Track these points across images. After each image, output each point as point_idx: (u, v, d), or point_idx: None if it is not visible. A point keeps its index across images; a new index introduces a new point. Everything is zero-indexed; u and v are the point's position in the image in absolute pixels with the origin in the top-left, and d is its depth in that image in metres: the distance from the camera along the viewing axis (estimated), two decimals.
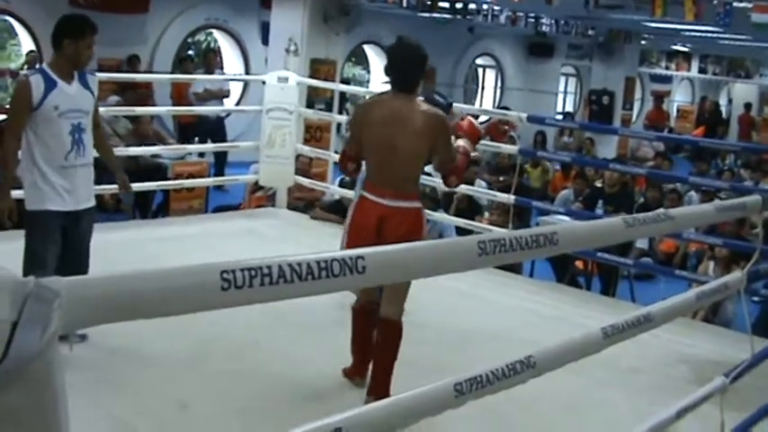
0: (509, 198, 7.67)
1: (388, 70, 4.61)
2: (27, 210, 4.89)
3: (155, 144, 9.89)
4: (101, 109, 5.77)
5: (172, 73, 13.85)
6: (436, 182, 8.65)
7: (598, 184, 9.68)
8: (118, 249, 6.31)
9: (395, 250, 1.95)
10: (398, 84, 4.57)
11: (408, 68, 4.57)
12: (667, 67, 26.76)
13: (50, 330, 1.26)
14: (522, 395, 2.78)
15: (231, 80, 13.67)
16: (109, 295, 1.41)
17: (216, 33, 16.65)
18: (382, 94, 4.82)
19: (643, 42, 20.80)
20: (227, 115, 12.73)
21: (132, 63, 13.34)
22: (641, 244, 9.80)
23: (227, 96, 13.32)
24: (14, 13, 13.22)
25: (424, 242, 2.08)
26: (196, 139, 12.05)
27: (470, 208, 9.61)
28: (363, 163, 4.71)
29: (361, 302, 4.76)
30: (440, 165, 4.71)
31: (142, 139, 9.75)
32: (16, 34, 15.01)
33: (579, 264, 8.61)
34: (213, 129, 12.26)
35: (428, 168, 5.30)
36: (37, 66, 4.91)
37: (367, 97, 6.06)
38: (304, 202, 9.58)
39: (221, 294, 1.52)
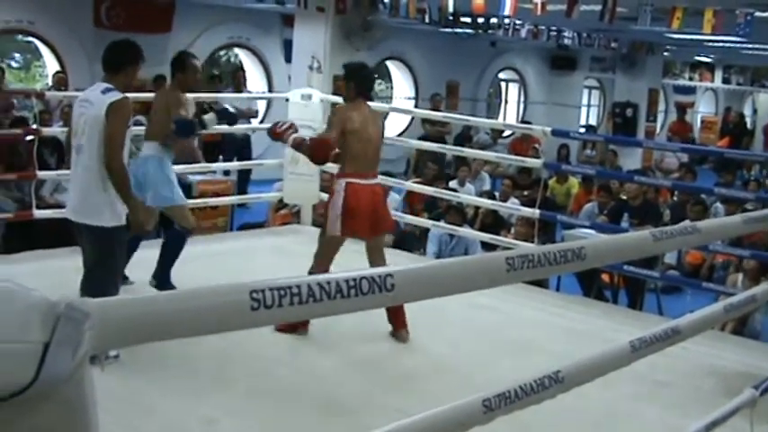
0: (534, 212, 7.65)
1: (358, 84, 5.83)
2: (107, 227, 4.87)
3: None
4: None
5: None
6: (463, 197, 8.66)
7: (623, 197, 9.61)
8: (143, 268, 6.33)
9: (424, 268, 1.95)
10: (365, 92, 5.92)
11: (370, 82, 6.12)
12: (691, 78, 26.64)
13: (81, 351, 1.27)
14: (552, 410, 2.77)
15: (255, 98, 13.71)
16: (139, 316, 1.42)
17: (239, 51, 16.73)
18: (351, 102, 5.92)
19: (666, 54, 20.73)
20: (253, 132, 12.79)
21: (158, 83, 13.39)
22: (669, 259, 9.70)
23: (255, 117, 13.38)
24: (39, 34, 13.35)
25: (454, 259, 2.08)
26: (220, 157, 12.09)
27: (495, 223, 9.61)
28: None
29: None
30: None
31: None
32: (41, 55, 15.12)
33: (605, 277, 8.56)
34: (240, 146, 12.31)
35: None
36: (107, 87, 4.88)
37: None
38: None
39: (251, 314, 1.52)
